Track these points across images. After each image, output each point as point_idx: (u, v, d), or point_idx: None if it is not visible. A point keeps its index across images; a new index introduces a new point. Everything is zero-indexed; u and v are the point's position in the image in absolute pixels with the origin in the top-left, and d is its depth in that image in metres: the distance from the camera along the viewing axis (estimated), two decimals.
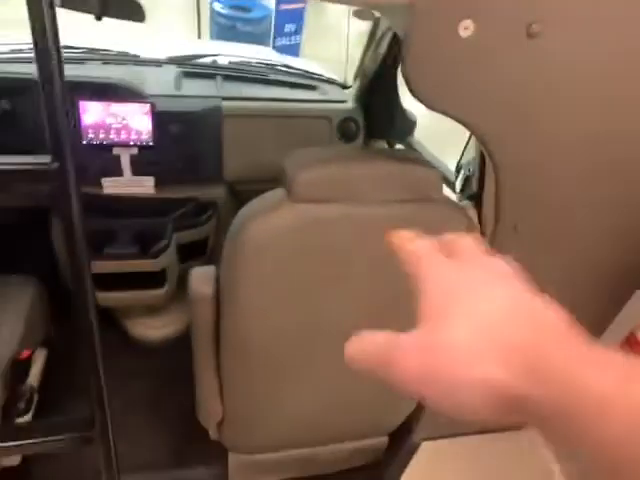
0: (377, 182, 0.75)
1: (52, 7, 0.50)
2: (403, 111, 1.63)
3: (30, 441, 0.76)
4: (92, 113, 1.36)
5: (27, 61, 1.46)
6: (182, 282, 1.63)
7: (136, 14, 1.25)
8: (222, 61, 1.83)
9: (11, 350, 1.23)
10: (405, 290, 0.32)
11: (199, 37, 4.00)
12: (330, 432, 1.18)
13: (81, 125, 1.36)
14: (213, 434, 1.20)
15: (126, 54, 1.76)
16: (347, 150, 1.29)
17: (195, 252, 1.61)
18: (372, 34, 1.39)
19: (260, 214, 0.79)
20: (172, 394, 1.56)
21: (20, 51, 1.53)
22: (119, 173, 1.45)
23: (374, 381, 0.29)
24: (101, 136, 1.39)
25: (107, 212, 1.46)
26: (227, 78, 1.69)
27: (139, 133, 1.40)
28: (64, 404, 1.37)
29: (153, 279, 1.52)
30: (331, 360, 0.92)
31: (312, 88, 1.73)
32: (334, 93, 1.74)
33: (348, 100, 1.66)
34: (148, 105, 1.37)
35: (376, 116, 1.63)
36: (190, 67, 1.72)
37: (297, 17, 4.77)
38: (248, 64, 1.82)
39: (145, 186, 1.49)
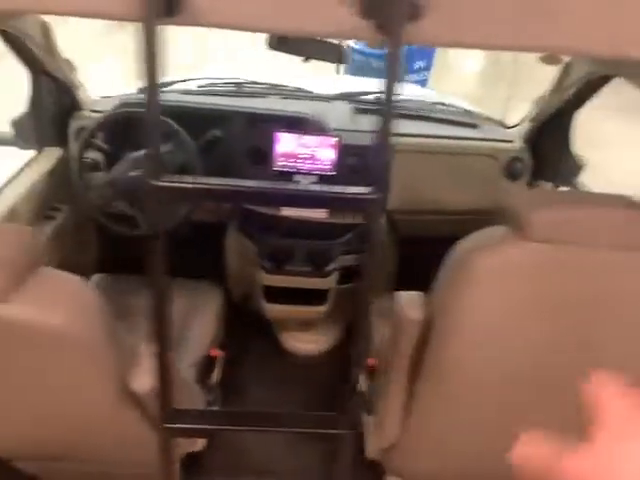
0: (615, 226, 0.77)
1: None
2: (572, 154, 1.62)
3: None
4: (284, 143, 1.52)
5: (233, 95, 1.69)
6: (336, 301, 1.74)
7: (337, 56, 1.40)
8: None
9: (205, 346, 1.39)
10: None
11: (337, 73, 4.25)
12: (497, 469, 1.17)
13: (273, 153, 1.53)
14: (374, 455, 1.25)
15: (300, 90, 1.94)
16: (572, 192, 1.30)
17: (352, 275, 1.71)
18: (561, 79, 1.41)
19: (487, 247, 0.84)
20: (320, 406, 1.65)
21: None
22: None
23: None
24: (290, 164, 1.55)
25: (285, 232, 1.61)
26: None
27: (323, 163, 1.54)
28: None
29: (317, 296, 1.64)
30: (536, 407, 0.93)
31: (473, 126, 1.78)
32: (495, 132, 1.77)
33: (514, 139, 1.69)
34: (336, 139, 1.51)
35: (545, 157, 1.63)
36: (359, 104, 1.85)
37: (427, 54, 4.89)
38: (410, 101, 1.92)
39: (319, 211, 1.62)
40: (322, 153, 1.53)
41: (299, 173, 1.56)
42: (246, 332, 1.83)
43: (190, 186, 0.65)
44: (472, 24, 0.58)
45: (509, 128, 1.79)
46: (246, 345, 1.84)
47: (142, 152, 1.45)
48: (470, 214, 1.69)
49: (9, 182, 1.47)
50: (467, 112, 1.87)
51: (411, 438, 1.09)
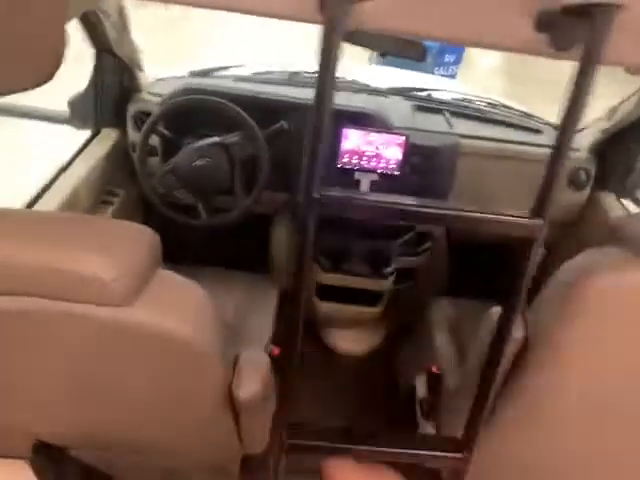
0: None
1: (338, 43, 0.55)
2: (637, 165, 1.59)
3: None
4: (351, 139, 1.49)
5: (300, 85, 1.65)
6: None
7: (416, 53, 1.35)
8: (444, 96, 1.90)
9: (264, 344, 1.37)
10: None
11: (370, 62, 4.19)
12: None
13: (340, 149, 1.49)
14: (431, 464, 1.24)
15: (356, 82, 1.89)
16: None
17: (405, 278, 1.68)
18: None
19: (605, 271, 0.80)
20: (370, 408, 1.64)
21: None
22: None
23: None
24: (354, 161, 1.51)
25: (342, 230, 1.57)
26: (452, 114, 1.76)
27: (388, 162, 1.50)
28: None
29: (372, 297, 1.61)
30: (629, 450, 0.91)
31: (537, 132, 1.74)
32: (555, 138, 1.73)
33: (580, 148, 1.65)
34: (404, 137, 1.47)
35: (611, 168, 1.60)
36: (419, 101, 1.81)
37: (458, 49, 4.82)
38: (470, 101, 1.88)
39: None
40: (388, 152, 1.50)
41: (362, 170, 1.52)
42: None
43: (356, 202, 0.62)
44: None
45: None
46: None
47: (208, 141, 1.41)
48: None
49: (68, 164, 1.43)
50: (528, 115, 1.83)
51: (486, 457, 1.07)
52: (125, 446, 1.01)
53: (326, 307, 1.63)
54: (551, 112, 1.96)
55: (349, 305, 1.62)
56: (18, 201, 1.29)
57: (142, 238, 0.69)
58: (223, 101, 1.38)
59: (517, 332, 0.92)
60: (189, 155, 1.40)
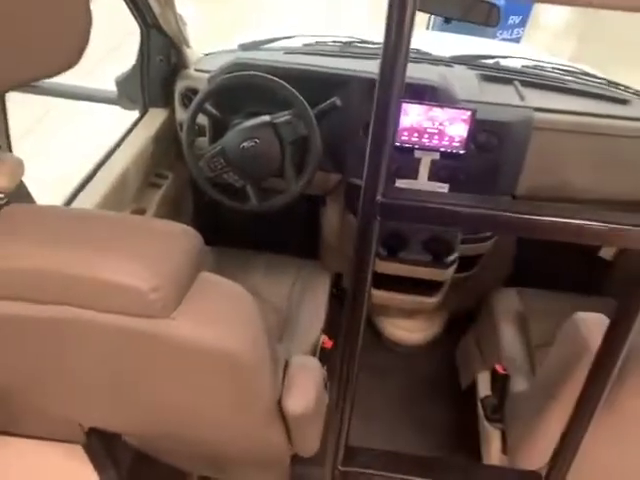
0: None
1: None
2: None
3: None
4: (411, 115, 1.36)
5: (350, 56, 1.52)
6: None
7: (491, 18, 1.20)
8: (513, 64, 1.72)
9: (315, 335, 1.30)
10: None
11: (427, 28, 3.94)
12: None
13: (398, 127, 1.37)
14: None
15: (417, 51, 1.74)
16: None
17: (468, 266, 1.55)
18: None
19: None
20: (425, 404, 1.55)
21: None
22: (414, 176, 1.44)
23: None
24: (414, 139, 1.38)
25: None
26: (524, 84, 1.58)
27: (451, 139, 1.37)
28: None
29: (430, 287, 1.50)
30: None
31: (623, 102, 1.54)
32: None
33: None
34: (469, 112, 1.32)
35: None
36: (486, 70, 1.64)
37: (524, 9, 4.44)
38: (544, 68, 1.68)
39: (441, 188, 1.46)
40: (452, 128, 1.36)
41: (422, 149, 1.40)
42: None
43: (426, 205, 0.52)
44: None
45: None
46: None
47: (257, 121, 1.32)
48: (617, 204, 1.48)
49: (117, 145, 1.39)
50: (612, 83, 1.62)
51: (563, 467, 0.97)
52: (173, 440, 0.98)
53: (380, 295, 1.54)
54: (634, 78, 1.74)
55: (404, 294, 1.52)
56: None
57: (184, 240, 0.62)
58: (272, 78, 1.28)
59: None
60: (237, 136, 1.33)
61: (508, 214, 0.52)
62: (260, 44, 1.74)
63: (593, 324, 0.83)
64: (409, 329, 1.71)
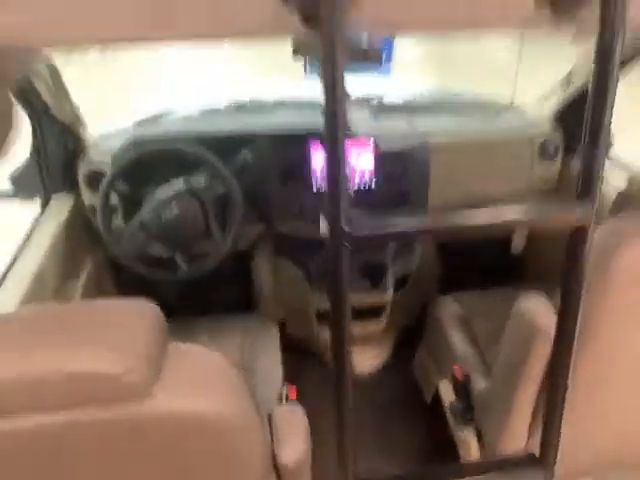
0: None
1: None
2: None
3: None
4: (321, 159, 1.43)
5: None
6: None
7: (374, 57, 1.32)
8: (396, 96, 1.88)
9: (278, 387, 1.28)
10: None
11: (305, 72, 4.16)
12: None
13: (312, 171, 1.43)
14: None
15: (309, 102, 1.84)
16: None
17: (400, 284, 1.63)
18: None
19: (636, 236, 0.77)
20: (396, 426, 1.56)
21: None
22: None
23: None
24: None
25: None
26: (412, 112, 1.73)
27: (362, 173, 1.46)
28: None
29: (373, 311, 1.55)
30: None
31: (496, 114, 1.74)
32: (518, 116, 1.74)
33: (542, 120, 1.66)
34: (371, 139, 1.42)
35: (577, 133, 1.61)
36: (374, 104, 1.77)
37: (388, 45, 4.85)
38: (424, 96, 1.86)
39: None
40: (361, 163, 1.45)
41: None
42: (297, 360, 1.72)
43: (393, 229, 0.55)
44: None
45: (525, 109, 1.77)
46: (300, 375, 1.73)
47: (174, 189, 1.32)
48: (506, 202, 1.65)
49: (27, 240, 1.30)
50: (482, 99, 1.83)
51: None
52: None
53: (325, 330, 1.55)
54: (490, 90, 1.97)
55: (353, 324, 1.54)
56: None
57: (146, 315, 0.60)
58: (181, 146, 1.30)
59: (552, 321, 0.88)
60: (156, 208, 1.31)
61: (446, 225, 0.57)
62: (155, 118, 1.74)
63: (537, 308, 0.91)
64: (362, 358, 1.73)
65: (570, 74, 1.53)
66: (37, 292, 1.20)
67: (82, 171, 1.46)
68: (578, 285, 0.60)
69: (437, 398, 1.44)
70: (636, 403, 0.94)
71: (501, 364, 1.03)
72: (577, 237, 0.57)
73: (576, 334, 0.64)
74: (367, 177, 1.45)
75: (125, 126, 1.70)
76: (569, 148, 1.64)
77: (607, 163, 0.57)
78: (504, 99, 1.84)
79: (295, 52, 1.29)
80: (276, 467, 0.72)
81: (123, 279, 1.67)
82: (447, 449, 1.33)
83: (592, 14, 0.52)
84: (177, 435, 0.59)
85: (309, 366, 1.68)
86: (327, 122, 0.50)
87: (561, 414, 0.67)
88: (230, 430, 0.61)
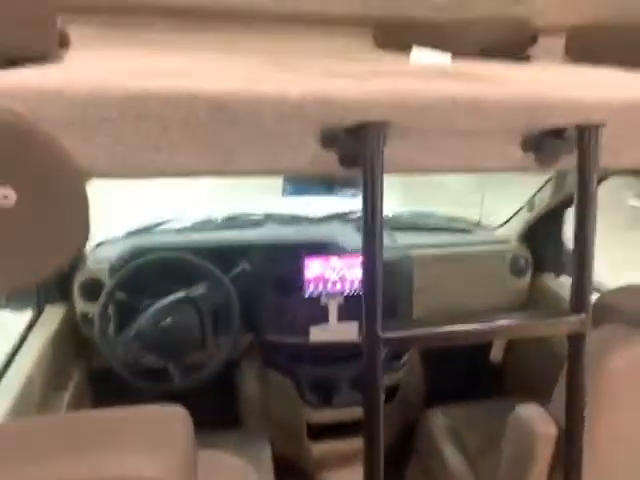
0: None
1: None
2: (564, 245, 1.78)
3: None
4: (314, 269, 1.51)
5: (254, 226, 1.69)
6: None
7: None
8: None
9: None
10: None
11: (283, 193, 4.43)
12: None
13: (304, 279, 1.50)
14: None
15: (295, 216, 1.98)
16: None
17: (388, 396, 1.63)
18: (558, 181, 1.58)
19: (618, 349, 0.85)
20: None
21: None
22: (325, 320, 1.56)
23: None
24: (319, 288, 1.52)
25: (319, 361, 1.53)
26: (391, 229, 1.87)
27: (352, 283, 1.54)
28: None
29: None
30: None
31: (467, 231, 1.91)
32: (486, 234, 1.91)
33: (509, 239, 1.82)
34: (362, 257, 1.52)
35: (542, 252, 1.77)
36: (356, 222, 1.91)
37: None
38: (401, 215, 2.03)
39: (350, 331, 1.57)
40: (350, 273, 1.54)
41: (327, 295, 1.54)
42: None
43: (423, 335, 0.61)
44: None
45: (494, 229, 1.95)
46: None
47: (174, 297, 1.35)
48: (485, 314, 1.75)
49: (17, 349, 1.28)
50: (455, 218, 2.01)
51: None
52: None
53: (320, 448, 1.52)
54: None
55: (345, 439, 1.52)
56: None
57: (178, 422, 0.62)
58: (184, 255, 1.36)
59: (552, 429, 0.92)
60: (154, 316, 1.33)
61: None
62: (147, 229, 1.82)
63: (535, 415, 0.95)
64: (351, 478, 1.66)
65: (532, 200, 1.72)
66: (24, 403, 1.15)
67: (78, 280, 1.48)
68: (582, 386, 0.66)
69: None
70: None
71: (503, 474, 1.04)
72: (576, 344, 0.65)
73: (584, 436, 0.69)
74: (357, 285, 1.53)
75: (118, 236, 1.76)
76: (538, 265, 1.80)
77: None
78: (473, 219, 2.04)
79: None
80: None
81: (104, 392, 1.62)
82: None
83: (571, 157, 0.65)
84: None
85: None
86: (366, 240, 0.58)
87: None
88: None
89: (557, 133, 0.65)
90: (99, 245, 1.68)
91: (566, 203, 1.64)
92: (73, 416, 0.63)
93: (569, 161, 0.65)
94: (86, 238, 0.58)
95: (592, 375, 0.85)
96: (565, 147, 0.65)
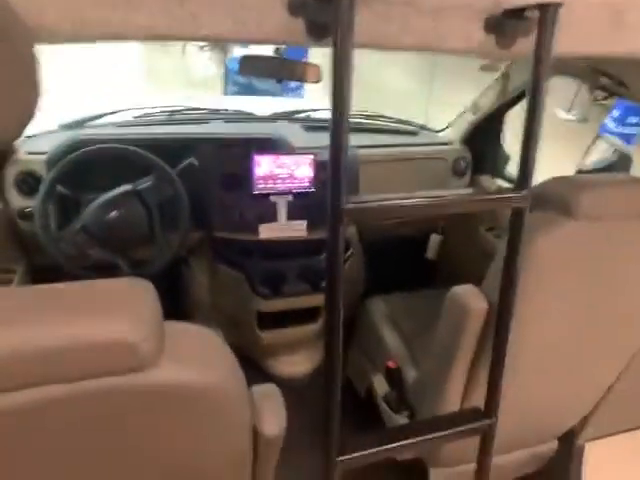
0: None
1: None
2: (503, 149, 1.87)
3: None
4: (263, 166, 1.51)
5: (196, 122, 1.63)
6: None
7: (312, 76, 1.42)
8: (321, 115, 2.02)
9: None
10: None
11: (225, 94, 4.22)
12: (507, 439, 1.22)
13: (254, 176, 1.50)
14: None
15: (241, 112, 1.92)
16: (604, 176, 1.41)
17: None
18: (503, 84, 1.62)
19: (545, 231, 0.94)
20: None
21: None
22: (274, 219, 1.59)
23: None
24: (269, 186, 1.53)
25: (272, 255, 1.58)
26: None
27: (301, 181, 1.55)
28: None
29: (310, 313, 1.63)
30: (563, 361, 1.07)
31: (414, 134, 1.95)
32: (432, 137, 1.96)
33: (452, 141, 1.88)
34: (311, 156, 1.53)
35: (481, 154, 1.85)
36: (304, 122, 1.90)
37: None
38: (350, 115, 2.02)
39: (298, 229, 1.62)
40: (299, 171, 1.55)
41: (277, 194, 1.55)
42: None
43: (387, 206, 0.65)
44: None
45: (438, 131, 2.00)
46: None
47: (119, 190, 1.31)
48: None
49: None
50: (401, 121, 2.03)
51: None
52: None
53: (269, 335, 1.61)
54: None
55: (291, 327, 1.62)
56: None
57: (146, 291, 0.63)
58: (130, 147, 1.30)
59: (482, 304, 1.03)
60: (100, 209, 1.29)
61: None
62: (83, 122, 1.71)
63: (469, 292, 1.06)
64: (296, 362, 1.80)
65: (476, 103, 1.77)
66: None
67: (11, 173, 1.39)
68: (518, 259, 0.74)
69: (370, 393, 1.55)
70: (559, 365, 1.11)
71: (436, 347, 1.16)
72: (518, 219, 0.71)
73: (515, 305, 0.78)
74: (306, 183, 1.55)
75: (50, 128, 1.64)
76: (476, 167, 1.89)
77: None
78: (418, 122, 2.07)
79: (241, 72, 1.37)
80: (255, 438, 0.77)
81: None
82: None
83: (528, 40, 0.67)
84: (178, 402, 0.63)
85: (249, 372, 1.70)
86: (334, 114, 0.59)
87: (501, 374, 0.81)
88: (225, 400, 0.66)
89: (518, 13, 0.66)
90: (30, 137, 1.56)
91: (507, 105, 1.70)
92: (42, 287, 0.63)
93: (526, 45, 0.67)
94: (36, 101, 0.55)
95: (522, 256, 0.95)
96: (524, 27, 0.67)
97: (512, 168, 1.91)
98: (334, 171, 0.61)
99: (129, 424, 0.62)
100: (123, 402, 0.59)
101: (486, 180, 1.88)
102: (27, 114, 0.54)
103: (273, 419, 0.78)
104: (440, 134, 1.99)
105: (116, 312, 0.58)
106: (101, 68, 5.43)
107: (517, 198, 0.71)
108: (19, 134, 0.55)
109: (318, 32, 0.60)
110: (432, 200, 0.70)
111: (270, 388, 0.85)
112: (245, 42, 0.63)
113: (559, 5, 0.62)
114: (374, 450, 0.77)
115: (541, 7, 0.63)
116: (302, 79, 1.44)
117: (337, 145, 0.60)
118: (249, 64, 1.38)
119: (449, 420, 0.83)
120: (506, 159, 1.89)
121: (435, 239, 2.02)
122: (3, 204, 1.41)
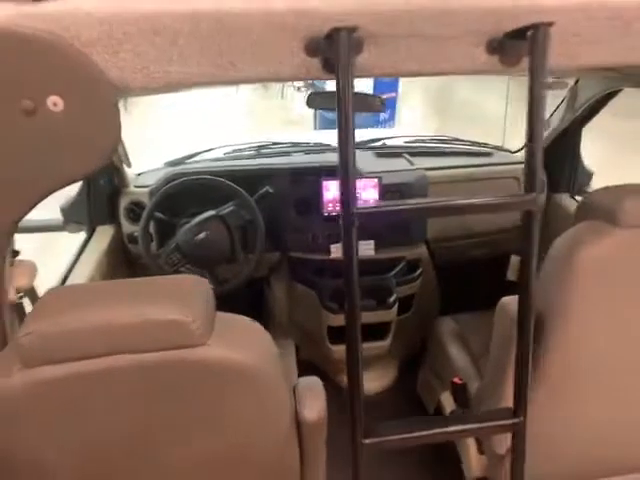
0: None
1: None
2: (582, 165, 1.81)
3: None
4: (332, 190, 1.64)
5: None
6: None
7: (376, 106, 1.54)
8: (397, 142, 2.11)
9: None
10: None
11: (315, 129, 4.52)
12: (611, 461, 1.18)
13: (323, 200, 1.63)
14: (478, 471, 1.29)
15: (319, 144, 2.08)
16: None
17: (404, 308, 1.79)
18: (570, 100, 1.61)
19: (589, 240, 0.94)
20: None
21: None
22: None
23: None
24: (337, 208, 1.65)
25: (339, 273, 1.68)
26: (411, 154, 1.95)
27: (367, 203, 1.65)
28: None
29: (379, 331, 1.70)
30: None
31: (488, 155, 1.96)
32: (507, 156, 1.96)
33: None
34: (376, 180, 1.63)
35: (558, 172, 1.81)
36: (377, 149, 2.00)
37: (391, 104, 5.26)
38: (424, 141, 2.09)
39: (366, 249, 1.71)
40: (365, 194, 1.65)
41: None
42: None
43: (389, 209, 0.74)
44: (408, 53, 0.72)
45: (515, 152, 1.99)
46: None
47: (205, 215, 1.52)
48: (499, 234, 1.84)
49: (72, 265, 1.50)
50: (476, 143, 2.06)
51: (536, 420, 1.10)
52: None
53: (339, 349, 1.70)
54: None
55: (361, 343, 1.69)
56: None
57: (202, 287, 0.78)
58: (215, 177, 1.51)
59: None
60: (189, 232, 1.51)
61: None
62: (184, 159, 1.98)
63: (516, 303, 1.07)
64: (368, 379, 1.85)
65: (549, 118, 1.75)
66: None
67: (123, 203, 1.68)
68: (532, 263, 0.77)
69: (438, 410, 1.56)
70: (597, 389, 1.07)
71: (491, 359, 1.17)
72: (529, 220, 0.76)
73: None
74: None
75: (157, 166, 1.93)
76: (553, 185, 1.84)
77: None
78: (495, 143, 2.07)
79: (308, 105, 1.53)
80: (298, 425, 0.87)
81: None
82: (447, 452, 1.44)
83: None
84: (224, 377, 0.75)
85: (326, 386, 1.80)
86: (340, 133, 0.70)
87: (527, 374, 0.83)
88: (267, 382, 0.78)
89: (519, 34, 0.72)
90: (141, 174, 1.86)
91: (582, 120, 1.66)
92: (126, 281, 0.81)
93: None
94: (117, 140, 0.73)
95: (567, 265, 0.95)
96: (526, 47, 0.72)
97: (596, 184, 1.84)
98: (343, 180, 0.72)
99: (182, 394, 0.76)
100: (177, 374, 0.73)
101: (564, 198, 1.82)
102: (107, 150, 0.72)
103: (313, 405, 0.87)
104: (517, 154, 1.97)
105: (175, 299, 0.72)
106: (213, 113, 6.06)
107: (526, 201, 0.75)
108: (100, 165, 0.73)
109: (331, 67, 0.71)
110: (438, 204, 0.76)
111: (313, 380, 0.95)
112: (273, 81, 0.77)
113: (549, 25, 0.68)
114: (399, 437, 0.83)
115: (534, 27, 0.69)
116: (363, 109, 1.56)
117: (345, 160, 0.70)
118: (315, 99, 1.53)
119: (477, 416, 0.85)
120: (589, 176, 1.83)
121: (515, 260, 1.98)
122: (116, 229, 1.69)
